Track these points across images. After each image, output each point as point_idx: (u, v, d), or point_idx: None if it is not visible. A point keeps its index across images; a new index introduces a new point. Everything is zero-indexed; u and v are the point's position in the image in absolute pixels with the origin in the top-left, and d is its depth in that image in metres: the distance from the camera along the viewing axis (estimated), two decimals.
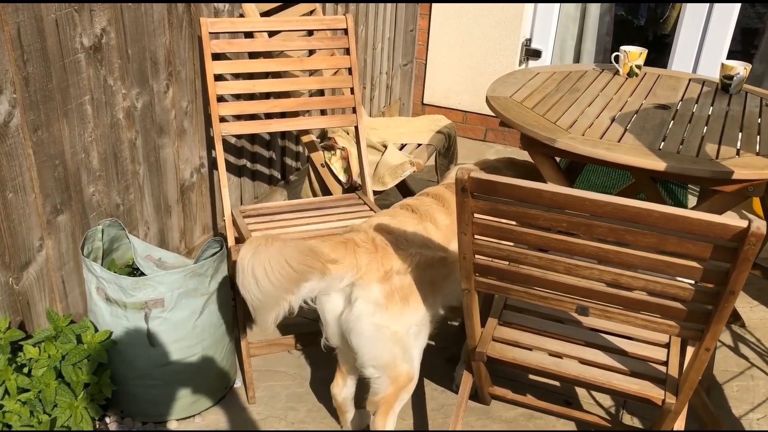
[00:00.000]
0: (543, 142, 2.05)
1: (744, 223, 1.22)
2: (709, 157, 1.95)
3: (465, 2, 4.23)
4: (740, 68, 2.51)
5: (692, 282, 1.39)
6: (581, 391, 2.46)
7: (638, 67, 2.67)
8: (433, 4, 4.36)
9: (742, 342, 2.75)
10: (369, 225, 1.94)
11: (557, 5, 4.19)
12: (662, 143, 2.05)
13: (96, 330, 2.08)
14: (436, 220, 2.00)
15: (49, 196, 2.12)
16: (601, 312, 1.57)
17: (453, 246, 1.96)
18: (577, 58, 4.33)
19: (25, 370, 1.92)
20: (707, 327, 1.45)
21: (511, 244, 1.52)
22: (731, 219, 1.23)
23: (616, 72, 2.74)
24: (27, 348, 1.95)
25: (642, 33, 5.11)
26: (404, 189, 3.29)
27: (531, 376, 2.53)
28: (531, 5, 4.20)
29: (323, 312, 1.90)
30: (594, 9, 4.20)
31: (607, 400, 2.42)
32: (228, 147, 2.99)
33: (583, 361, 1.82)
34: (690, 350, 1.72)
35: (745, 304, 2.99)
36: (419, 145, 3.03)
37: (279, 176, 3.43)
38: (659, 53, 4.66)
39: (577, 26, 4.25)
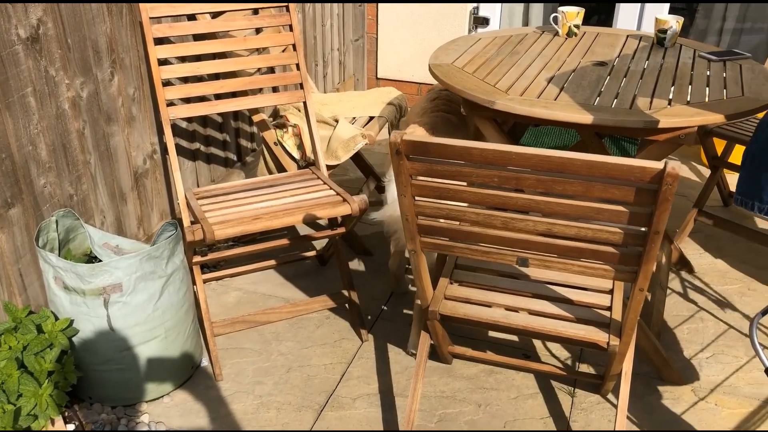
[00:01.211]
0: (483, 105, 2.10)
1: (660, 165, 1.29)
2: (642, 109, 2.02)
3: None
4: (673, 22, 2.58)
5: (621, 226, 1.46)
6: (539, 345, 2.54)
7: (576, 26, 2.73)
8: None
9: (691, 288, 2.86)
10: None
11: None
12: (597, 98, 2.11)
13: (56, 319, 2.10)
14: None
15: None
16: (541, 262, 1.63)
17: None
18: (525, 23, 4.38)
19: None
20: (639, 268, 1.52)
21: (451, 203, 1.57)
22: (648, 162, 1.30)
23: (556, 33, 2.79)
24: None
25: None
26: (360, 162, 3.33)
27: (490, 334, 2.60)
28: None
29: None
30: None
31: (563, 352, 2.51)
32: (179, 131, 2.99)
33: (532, 312, 1.89)
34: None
35: (694, 252, 3.09)
36: (371, 118, 3.06)
37: (235, 158, 3.45)
38: (606, 14, 4.73)
39: None
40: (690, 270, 2.94)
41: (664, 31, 2.59)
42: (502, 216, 1.54)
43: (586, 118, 1.95)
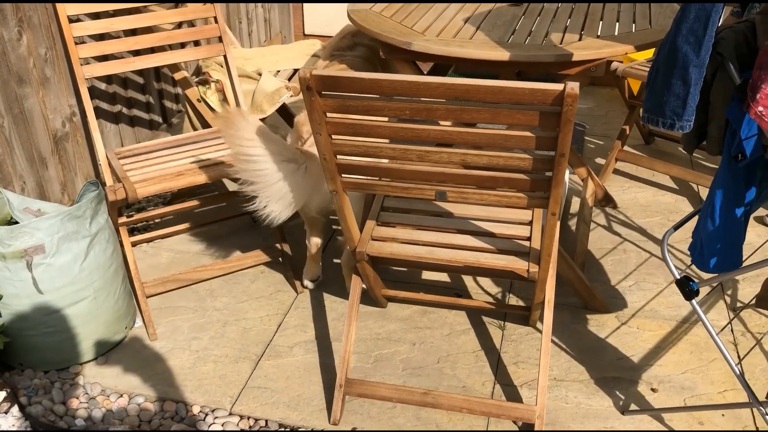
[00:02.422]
0: (401, 47, 2.11)
1: (560, 87, 1.33)
2: (554, 44, 2.06)
3: None
4: None
5: (529, 151, 1.51)
6: (470, 284, 2.61)
7: None
8: None
9: (615, 221, 2.97)
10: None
11: None
12: (511, 37, 2.15)
13: None
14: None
15: None
16: (458, 194, 1.67)
17: None
18: None
19: None
20: (549, 193, 1.57)
21: (367, 139, 1.59)
22: (549, 84, 1.34)
23: None
24: None
25: None
26: (289, 118, 3.31)
27: (422, 276, 2.66)
28: None
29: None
30: None
31: (494, 288, 2.59)
32: (99, 93, 2.92)
33: (456, 247, 1.94)
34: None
35: (617, 188, 3.20)
36: (295, 71, 3.04)
37: (160, 120, 3.39)
38: None
39: None
40: (614, 206, 3.04)
41: None
42: (417, 150, 1.57)
43: (500, 54, 1.98)
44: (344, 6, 4.41)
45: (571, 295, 2.50)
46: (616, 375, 2.20)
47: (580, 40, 2.11)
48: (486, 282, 2.62)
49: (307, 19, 4.57)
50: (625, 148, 3.22)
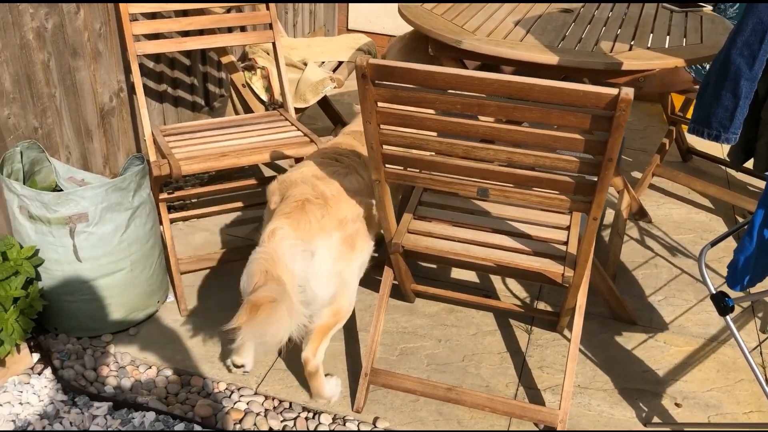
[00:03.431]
0: (450, 45, 2.13)
1: (614, 91, 1.34)
2: (604, 52, 2.07)
3: None
4: None
5: (576, 154, 1.52)
6: (499, 286, 2.62)
7: None
8: None
9: (648, 236, 2.95)
10: (305, 175, 1.94)
11: None
12: (561, 42, 2.16)
13: (21, 248, 2.11)
14: (360, 170, 2.02)
15: None
16: (500, 192, 1.69)
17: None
18: None
19: None
20: (593, 197, 1.58)
21: (415, 131, 1.61)
22: (604, 88, 1.35)
23: None
24: None
25: None
26: (329, 110, 3.34)
27: (452, 275, 2.67)
28: None
29: None
30: None
31: (523, 293, 2.59)
32: (147, 71, 2.97)
33: (491, 246, 1.95)
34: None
35: (652, 203, 3.19)
36: (340, 63, 3.07)
37: (203, 103, 3.44)
38: None
39: None
40: (648, 220, 3.03)
41: None
42: (464, 144, 1.59)
43: (550, 58, 1.99)
44: (387, 4, 4.43)
45: (600, 305, 2.50)
46: (641, 387, 2.20)
47: (630, 50, 2.11)
48: (515, 286, 2.63)
49: (352, 14, 4.61)
50: (663, 163, 3.20)
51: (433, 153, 1.67)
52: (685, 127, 3.42)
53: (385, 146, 1.68)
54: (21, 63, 2.29)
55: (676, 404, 2.14)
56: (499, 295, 2.57)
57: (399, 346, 2.32)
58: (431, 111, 1.57)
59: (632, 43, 2.17)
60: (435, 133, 1.61)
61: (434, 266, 2.71)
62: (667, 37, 2.26)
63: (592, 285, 2.34)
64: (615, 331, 2.42)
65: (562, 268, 1.86)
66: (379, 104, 1.57)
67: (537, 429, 2.04)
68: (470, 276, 2.67)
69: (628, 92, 1.32)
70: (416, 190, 2.13)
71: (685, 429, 2.04)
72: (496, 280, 2.65)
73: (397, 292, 2.46)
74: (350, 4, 4.59)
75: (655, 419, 2.08)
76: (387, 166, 1.73)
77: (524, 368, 2.25)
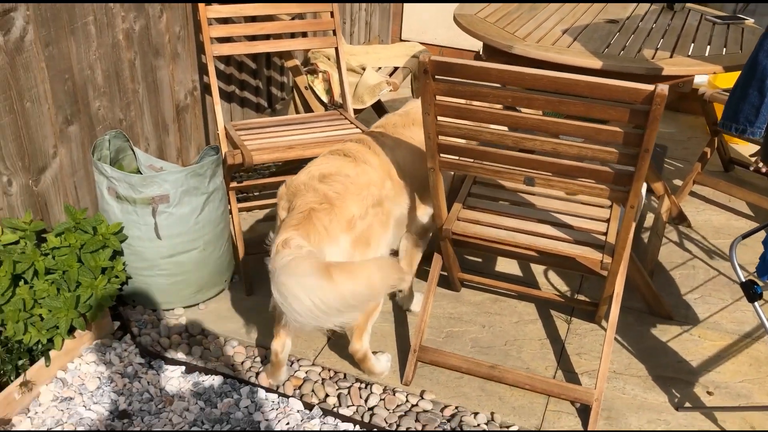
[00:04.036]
0: (502, 50, 2.31)
1: (651, 87, 1.50)
2: (646, 59, 2.22)
3: None
4: None
5: (616, 145, 1.68)
6: (541, 280, 2.77)
7: None
8: None
9: (687, 239, 3.07)
10: (311, 177, 1.98)
11: None
12: (606, 49, 2.32)
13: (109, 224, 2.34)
14: (370, 161, 2.07)
15: (61, 108, 2.36)
16: (545, 181, 1.85)
17: (389, 183, 2.09)
18: None
19: (50, 257, 2.19)
20: (630, 186, 1.73)
21: (469, 122, 1.79)
22: (641, 84, 1.51)
23: None
24: (50, 238, 2.22)
25: None
26: (381, 111, 3.54)
27: (496, 268, 2.83)
28: None
29: None
30: None
31: (563, 286, 2.74)
32: (217, 73, 3.21)
33: (535, 234, 2.11)
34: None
35: (693, 209, 3.30)
36: (395, 68, 3.27)
37: (266, 105, 3.67)
38: None
39: None
40: (687, 224, 3.14)
41: None
42: (514, 135, 1.76)
43: (594, 63, 2.15)
44: (440, 16, 4.63)
45: (638, 301, 2.62)
46: (674, 375, 2.32)
47: (671, 57, 2.26)
48: (556, 280, 2.77)
49: (405, 24, 4.82)
50: (704, 172, 3.31)
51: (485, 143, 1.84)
52: (727, 137, 3.53)
53: (441, 137, 1.86)
54: (111, 60, 2.55)
55: (708, 392, 2.26)
56: (541, 289, 2.72)
57: (445, 330, 2.49)
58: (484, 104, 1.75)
59: (673, 51, 2.32)
60: (487, 125, 1.78)
61: (480, 260, 2.88)
62: (708, 46, 2.40)
63: (630, 279, 2.48)
64: (651, 324, 2.55)
65: (601, 255, 2.01)
66: (438, 97, 1.75)
67: (574, 409, 2.18)
68: (514, 270, 2.82)
69: (663, 88, 1.48)
70: (466, 182, 2.31)
71: (716, 413, 2.16)
72: (538, 274, 2.81)
73: (445, 282, 2.63)
74: (404, 16, 4.80)
75: (687, 404, 2.20)
76: (442, 155, 1.91)
77: (563, 354, 2.40)
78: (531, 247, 2.07)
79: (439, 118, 1.81)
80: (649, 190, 3.31)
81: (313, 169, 2.03)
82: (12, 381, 2.06)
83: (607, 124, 1.64)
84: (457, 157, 1.90)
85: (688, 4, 2.90)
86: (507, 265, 2.85)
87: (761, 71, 1.57)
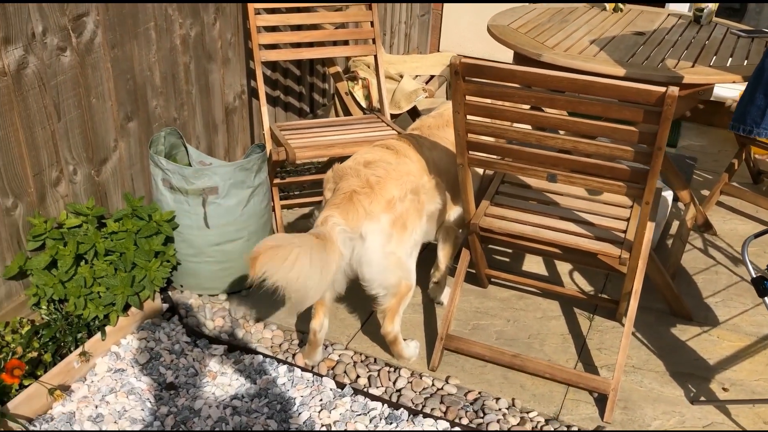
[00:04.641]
0: (531, 58, 2.45)
1: (662, 89, 1.63)
2: (667, 68, 2.34)
3: None
4: (709, 2, 2.88)
5: (631, 144, 1.81)
6: (566, 279, 2.89)
7: (623, 2, 3.05)
8: None
9: (712, 246, 3.15)
10: (357, 163, 2.18)
11: None
12: (631, 59, 2.44)
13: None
14: (410, 155, 2.25)
15: (123, 105, 2.58)
16: (566, 178, 1.99)
17: (426, 177, 2.25)
18: None
19: (109, 240, 2.39)
20: (645, 183, 1.86)
21: (496, 121, 1.94)
22: (653, 86, 1.64)
23: (604, 9, 3.12)
24: (110, 223, 2.43)
25: None
26: (416, 117, 3.70)
27: (523, 268, 2.96)
28: None
29: None
30: None
31: (587, 286, 2.85)
32: (264, 78, 3.42)
33: (558, 230, 2.24)
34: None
35: (719, 218, 3.38)
36: (432, 76, 3.44)
37: (308, 109, 3.87)
38: None
39: None
40: (713, 232, 3.23)
41: (701, 10, 2.90)
42: (537, 134, 1.90)
43: (617, 70, 2.29)
44: (477, 29, 4.78)
45: (659, 302, 2.72)
46: (691, 372, 2.41)
47: (692, 66, 2.38)
48: (581, 280, 2.89)
49: (444, 37, 4.99)
50: (732, 183, 3.38)
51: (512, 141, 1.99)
52: (755, 150, 3.61)
53: (470, 134, 2.01)
54: (169, 63, 2.76)
55: (724, 389, 2.35)
56: (566, 287, 2.84)
57: (471, 322, 2.62)
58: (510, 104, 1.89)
59: (695, 61, 2.43)
60: (512, 124, 1.93)
61: (507, 259, 3.01)
62: (730, 58, 2.51)
63: (651, 280, 2.59)
64: (671, 324, 2.64)
65: (620, 251, 2.13)
66: (467, 97, 1.91)
67: (592, 399, 2.29)
68: (541, 270, 2.94)
69: (673, 90, 1.61)
70: (495, 180, 2.45)
71: (729, 407, 2.25)
72: (563, 273, 2.92)
73: (473, 279, 2.76)
74: (443, 29, 4.97)
75: (702, 398, 2.30)
76: (471, 152, 2.06)
77: (584, 348, 2.51)
78: (553, 242, 2.20)
79: (468, 116, 1.96)
80: (676, 198, 3.40)
81: (359, 156, 2.23)
82: (72, 351, 2.26)
83: (628, 125, 1.77)
84: (484, 154, 2.05)
85: (716, 18, 3.00)
86: (534, 265, 2.97)
87: (767, 76, 1.68)
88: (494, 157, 2.04)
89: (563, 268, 2.97)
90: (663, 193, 3.12)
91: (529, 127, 1.98)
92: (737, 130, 1.81)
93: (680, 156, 3.99)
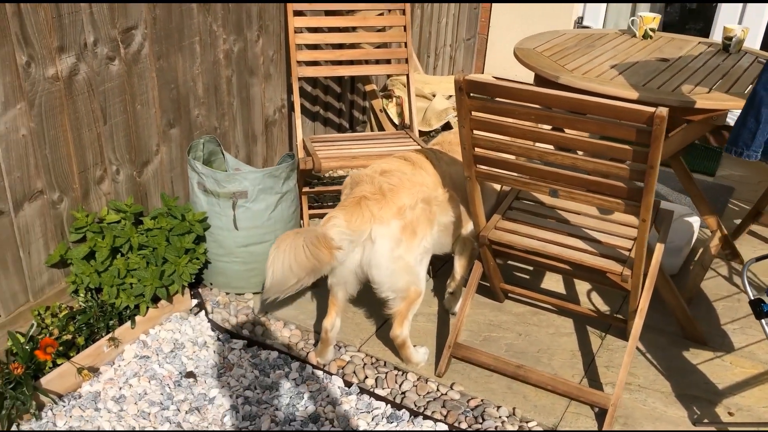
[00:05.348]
0: (549, 79, 2.54)
1: (652, 109, 1.70)
2: (682, 93, 2.39)
3: None
4: (738, 30, 2.90)
5: (626, 162, 1.87)
6: (583, 299, 2.92)
7: (652, 30, 3.09)
8: None
9: (737, 275, 3.13)
10: (374, 171, 2.31)
11: None
12: (648, 83, 2.50)
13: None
14: (426, 168, 2.37)
15: (166, 112, 2.78)
16: (568, 194, 2.06)
17: (441, 190, 2.37)
18: None
19: (143, 236, 2.58)
20: (641, 201, 1.92)
21: (499, 136, 2.04)
22: (642, 106, 1.71)
23: (634, 35, 3.17)
24: (146, 221, 2.62)
25: (694, 16, 5.40)
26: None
27: (542, 285, 3.01)
28: None
29: (344, 265, 2.25)
30: None
31: (603, 306, 2.88)
32: (304, 94, 3.60)
33: (565, 245, 2.30)
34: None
35: (748, 248, 3.35)
36: None
37: (347, 126, 4.03)
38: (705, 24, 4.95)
39: (629, 6, 4.64)
40: (739, 261, 3.21)
41: (730, 38, 2.92)
42: (538, 149, 1.99)
43: (630, 94, 2.35)
44: None
45: (674, 325, 2.73)
46: (698, 395, 2.42)
47: (708, 92, 2.42)
48: (598, 300, 2.92)
49: (488, 61, 5.09)
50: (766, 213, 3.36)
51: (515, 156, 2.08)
52: None
53: (476, 149, 2.11)
54: (212, 76, 2.96)
55: (729, 413, 2.35)
56: (581, 306, 2.88)
57: (483, 334, 2.70)
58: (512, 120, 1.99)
59: (713, 87, 2.47)
60: (516, 139, 2.02)
61: (527, 276, 3.07)
62: (750, 86, 2.53)
63: (665, 301, 2.61)
64: (684, 347, 2.65)
65: (622, 268, 2.18)
66: (473, 113, 2.01)
67: (593, 413, 2.33)
68: (559, 288, 2.99)
69: (662, 110, 1.68)
70: (508, 196, 2.53)
71: (731, 429, 2.25)
72: (581, 292, 2.96)
73: (490, 292, 2.84)
74: (488, 53, 5.08)
75: (705, 421, 2.31)
76: (478, 166, 2.15)
77: (591, 365, 2.55)
78: (558, 257, 2.27)
79: (474, 131, 2.06)
80: (704, 225, 3.40)
81: (377, 165, 2.37)
82: (103, 336, 2.44)
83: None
84: (490, 168, 2.14)
85: (746, 47, 3.02)
86: (553, 283, 3.02)
87: (758, 100, 1.73)
88: (499, 170, 2.13)
89: (582, 287, 3.01)
90: (689, 219, 3.14)
91: (531, 143, 2.07)
92: (730, 152, 1.85)
93: (717, 185, 3.97)
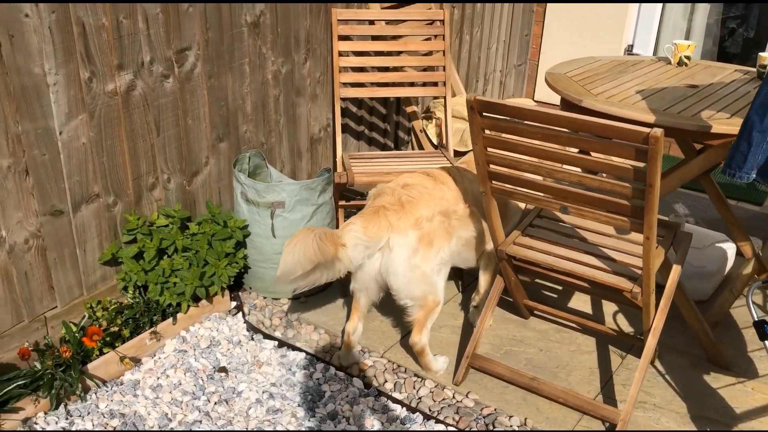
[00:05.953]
0: (573, 103, 2.63)
1: (647, 129, 1.78)
2: (700, 117, 2.44)
3: (578, 2, 4.76)
4: None
5: (627, 180, 1.95)
6: (608, 320, 2.96)
7: (687, 57, 3.14)
8: (547, 14, 4.95)
9: None
10: (396, 184, 2.47)
11: (658, 15, 4.63)
12: (669, 108, 2.56)
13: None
14: (448, 183, 2.52)
15: (215, 127, 3.01)
16: (577, 211, 2.15)
17: (462, 206, 2.50)
18: None
19: (188, 239, 2.79)
20: (644, 219, 1.99)
21: (510, 153, 2.15)
22: (639, 127, 1.80)
23: (669, 62, 3.22)
24: (191, 226, 2.84)
25: (749, 43, 5.34)
26: None
27: (570, 304, 3.07)
28: (634, 16, 4.67)
29: (364, 271, 2.40)
30: (700, 18, 4.58)
31: (628, 327, 2.91)
32: (350, 114, 3.79)
33: (579, 262, 2.38)
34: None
35: None
36: None
37: (392, 145, 4.19)
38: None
39: (683, 33, 4.65)
40: None
41: (765, 66, 2.94)
42: (547, 166, 2.09)
43: (648, 117, 2.42)
44: None
45: (698, 348, 2.74)
46: (714, 418, 2.43)
47: (730, 118, 2.46)
48: (623, 321, 2.95)
49: (538, 88, 5.18)
50: None
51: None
52: None
53: (490, 165, 2.23)
54: (260, 95, 3.18)
55: None
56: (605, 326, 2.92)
57: (504, 348, 2.78)
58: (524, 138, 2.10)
59: (735, 114, 2.51)
60: (527, 156, 2.13)
61: (555, 295, 3.13)
62: None
63: (687, 324, 2.63)
64: (705, 371, 2.66)
65: (632, 285, 2.24)
66: (485, 131, 2.13)
67: (603, 428, 2.38)
68: (586, 308, 3.04)
69: (657, 131, 1.76)
70: (531, 213, 2.63)
71: None
72: (608, 313, 3.01)
73: (515, 308, 2.92)
74: (538, 78, 5.16)
75: None
76: (492, 182, 2.27)
77: (609, 383, 2.59)
78: (571, 273, 2.34)
79: (488, 149, 2.18)
80: (740, 253, 3.38)
81: (400, 179, 2.53)
82: (146, 330, 2.66)
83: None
84: (503, 184, 2.25)
85: None
86: (581, 303, 3.07)
87: (750, 124, 1.78)
88: (512, 187, 2.24)
89: (609, 308, 3.05)
90: (722, 245, 3.14)
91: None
92: (726, 174, 1.90)
93: (764, 214, 3.92)
